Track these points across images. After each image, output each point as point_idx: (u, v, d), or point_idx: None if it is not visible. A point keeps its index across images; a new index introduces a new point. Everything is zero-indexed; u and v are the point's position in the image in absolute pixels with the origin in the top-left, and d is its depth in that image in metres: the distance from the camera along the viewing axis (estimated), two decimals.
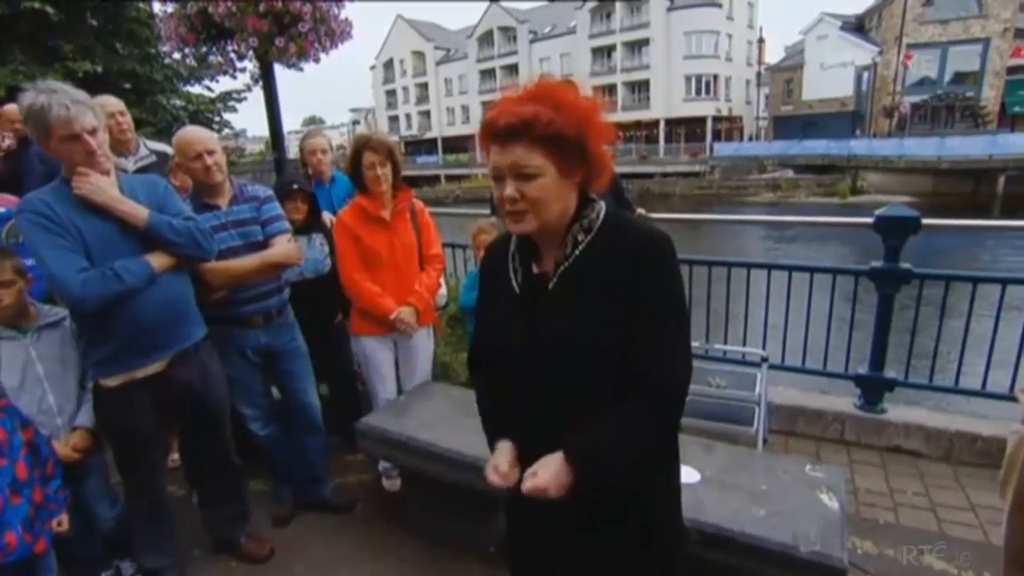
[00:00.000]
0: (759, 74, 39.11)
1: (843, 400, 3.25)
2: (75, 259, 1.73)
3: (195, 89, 10.27)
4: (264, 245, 2.31)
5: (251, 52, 3.53)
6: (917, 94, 28.51)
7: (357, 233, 2.53)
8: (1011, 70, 26.94)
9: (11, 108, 3.09)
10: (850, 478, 2.79)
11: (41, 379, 1.99)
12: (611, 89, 37.46)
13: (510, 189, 1.11)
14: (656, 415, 1.14)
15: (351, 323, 2.75)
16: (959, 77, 28.16)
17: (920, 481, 2.78)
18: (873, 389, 3.12)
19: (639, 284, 1.10)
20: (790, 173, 28.84)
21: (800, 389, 3.43)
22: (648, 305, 1.11)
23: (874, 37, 31.08)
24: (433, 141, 52.01)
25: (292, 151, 5.19)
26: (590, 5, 39.16)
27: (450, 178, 42.25)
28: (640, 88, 38.63)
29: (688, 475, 1.86)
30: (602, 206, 1.21)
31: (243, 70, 3.93)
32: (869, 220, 2.93)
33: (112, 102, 2.85)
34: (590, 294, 1.13)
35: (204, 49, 3.63)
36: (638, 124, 37.57)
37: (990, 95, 27.27)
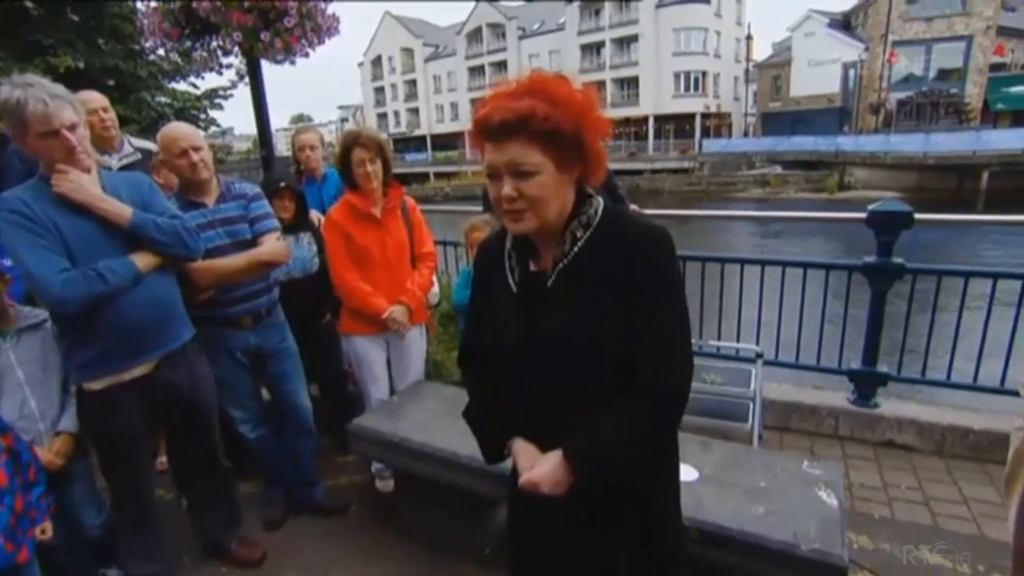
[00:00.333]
0: (747, 71, 39.40)
1: (837, 395, 3.26)
2: (55, 259, 1.67)
3: (180, 86, 10.11)
4: (252, 244, 2.25)
5: (237, 48, 3.47)
6: (903, 90, 28.84)
7: (348, 231, 2.48)
8: (993, 67, 27.35)
9: None
10: (845, 473, 2.79)
11: (21, 384, 1.93)
12: (600, 86, 37.36)
13: (507, 188, 1.07)
14: (657, 413, 1.13)
15: (342, 323, 2.71)
16: (943, 74, 28.55)
17: (913, 475, 2.79)
18: (866, 384, 3.13)
19: (638, 280, 1.09)
20: (778, 169, 29.06)
21: (794, 385, 3.44)
22: (648, 301, 1.09)
23: (860, 34, 31.39)
24: (422, 138, 51.77)
25: (280, 148, 5.12)
26: (578, 2, 39.12)
27: (439, 175, 42.09)
28: (629, 85, 38.72)
29: (686, 473, 1.84)
30: (600, 202, 1.19)
31: (229, 66, 3.87)
32: (862, 215, 2.93)
33: (95, 98, 2.79)
34: (589, 291, 1.11)
35: (188, 44, 3.56)
36: (627, 121, 37.61)
37: (973, 92, 27.66)
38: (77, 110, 1.73)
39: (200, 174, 2.17)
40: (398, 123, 54.05)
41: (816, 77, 32.88)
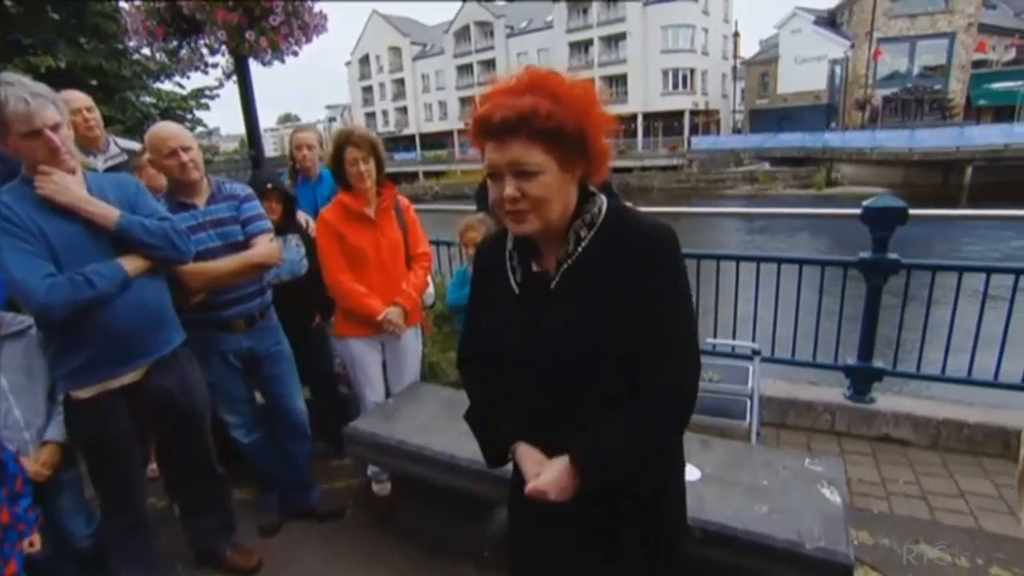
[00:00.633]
0: (735, 68, 39.64)
1: (833, 391, 3.27)
2: (40, 264, 1.62)
3: (166, 86, 9.97)
4: (245, 245, 2.21)
5: (223, 47, 3.40)
6: (888, 87, 29.18)
7: (341, 232, 2.44)
8: (976, 64, 27.74)
9: None
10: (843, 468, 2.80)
11: (5, 392, 1.88)
12: None
13: (510, 188, 1.04)
14: (663, 415, 1.11)
15: (336, 325, 2.66)
16: (927, 71, 28.90)
17: (910, 469, 2.80)
18: (862, 379, 3.14)
19: (644, 280, 1.06)
20: (766, 166, 29.29)
21: (790, 381, 3.45)
22: (653, 301, 1.07)
23: (846, 31, 31.67)
24: (411, 137, 51.53)
25: (267, 149, 5.05)
26: (566, 0, 39.12)
27: (428, 174, 41.95)
28: (618, 82, 38.75)
29: (689, 473, 1.82)
30: (603, 200, 1.16)
31: (215, 65, 3.80)
32: (857, 211, 2.94)
33: (79, 97, 2.72)
34: (594, 292, 1.09)
35: (175, 43, 3.49)
36: (616, 118, 37.58)
37: (956, 88, 28.06)
38: (60, 109, 1.68)
39: (190, 175, 2.11)
40: (386, 122, 53.75)
41: (803, 74, 33.15)
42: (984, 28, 27.59)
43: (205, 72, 3.81)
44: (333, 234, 2.44)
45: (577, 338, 1.08)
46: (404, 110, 52.76)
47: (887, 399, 3.16)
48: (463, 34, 46.10)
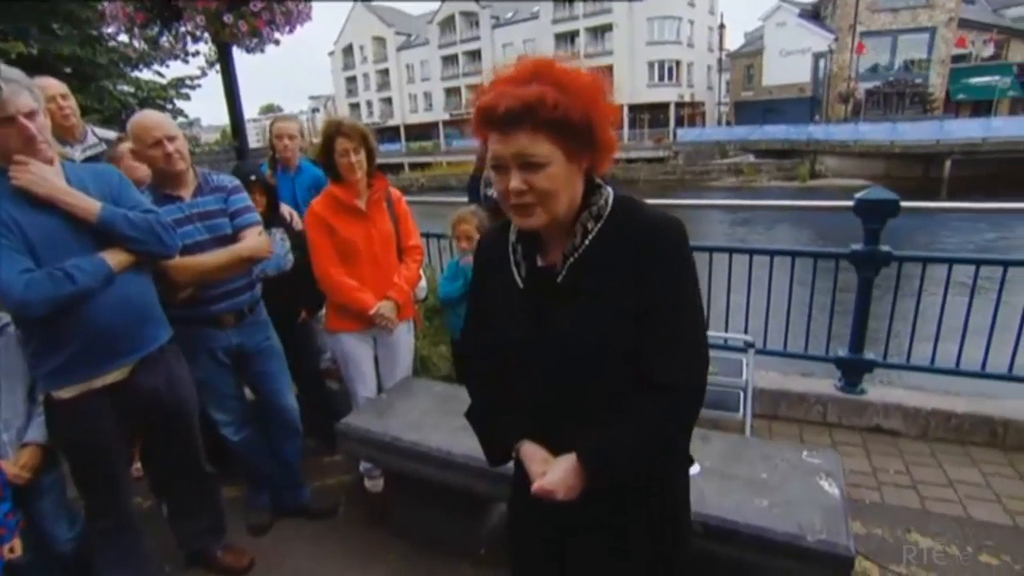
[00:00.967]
0: (720, 60, 39.74)
1: (824, 382, 3.29)
2: (16, 259, 1.54)
3: (145, 75, 9.68)
4: (233, 238, 2.14)
5: (206, 34, 3.29)
6: (870, 80, 29.50)
7: (331, 224, 2.38)
8: (955, 59, 28.15)
9: None
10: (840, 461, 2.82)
11: None
12: None
13: (516, 181, 1.01)
14: (672, 412, 1.09)
15: (326, 320, 2.61)
16: (909, 64, 29.27)
17: (900, 459, 2.84)
18: (853, 371, 3.17)
19: (651, 274, 1.04)
20: (751, 158, 29.49)
21: (782, 373, 3.46)
22: (661, 296, 1.04)
23: (830, 24, 31.90)
24: (396, 129, 51.01)
25: (250, 140, 4.92)
26: None
27: (414, 166, 41.62)
28: (604, 74, 38.58)
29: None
30: (610, 191, 1.13)
31: (196, 54, 3.68)
32: (849, 203, 2.94)
33: (53, 84, 2.61)
34: (601, 286, 1.06)
35: (156, 30, 3.37)
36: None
37: (936, 82, 28.47)
38: (36, 96, 1.60)
39: (176, 165, 2.04)
40: (371, 113, 53.11)
41: (787, 67, 33.37)
42: (964, 23, 27.99)
43: (186, 61, 3.70)
44: (323, 227, 2.39)
45: (584, 333, 1.06)
46: (389, 101, 52.18)
47: (878, 390, 3.19)
48: (448, 24, 45.61)
